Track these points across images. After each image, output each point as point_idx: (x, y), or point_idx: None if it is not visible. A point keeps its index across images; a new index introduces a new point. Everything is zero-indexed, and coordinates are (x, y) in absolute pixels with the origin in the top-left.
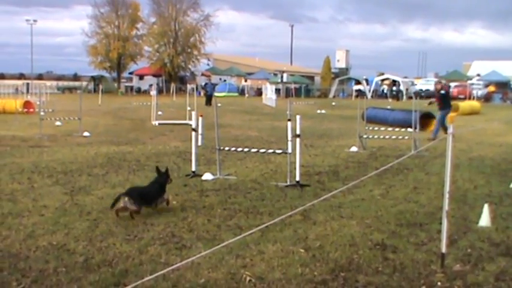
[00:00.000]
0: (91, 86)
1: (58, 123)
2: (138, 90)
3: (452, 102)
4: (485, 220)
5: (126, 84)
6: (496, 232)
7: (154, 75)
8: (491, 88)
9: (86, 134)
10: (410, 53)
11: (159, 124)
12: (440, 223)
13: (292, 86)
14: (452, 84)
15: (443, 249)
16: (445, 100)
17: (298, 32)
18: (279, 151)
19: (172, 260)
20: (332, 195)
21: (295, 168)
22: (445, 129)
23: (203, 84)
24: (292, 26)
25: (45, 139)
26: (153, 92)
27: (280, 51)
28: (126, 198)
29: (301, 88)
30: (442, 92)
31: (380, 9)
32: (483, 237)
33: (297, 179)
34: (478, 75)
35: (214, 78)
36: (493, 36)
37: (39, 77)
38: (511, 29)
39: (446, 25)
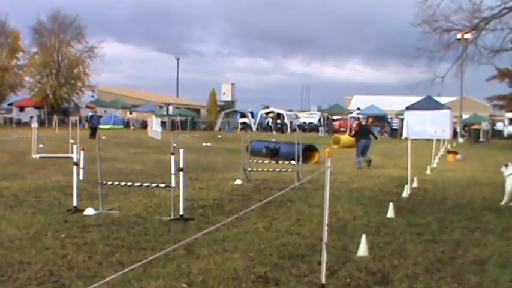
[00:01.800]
0: None
1: None
2: (18, 122)
3: (334, 136)
4: (363, 250)
5: (6, 115)
6: (373, 261)
7: (35, 107)
8: (369, 120)
9: None
10: (294, 87)
11: (40, 157)
12: (321, 254)
13: (178, 118)
14: (334, 118)
15: (323, 280)
16: (359, 133)
17: (184, 65)
18: (163, 185)
19: None
20: (216, 228)
21: (179, 202)
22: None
23: (89, 116)
24: (178, 59)
25: None
26: (34, 124)
27: (167, 84)
28: None
29: (187, 121)
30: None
31: (263, 44)
32: (361, 266)
33: (181, 212)
34: (358, 108)
35: (99, 111)
36: (370, 72)
37: None
38: (385, 66)
39: (327, 61)
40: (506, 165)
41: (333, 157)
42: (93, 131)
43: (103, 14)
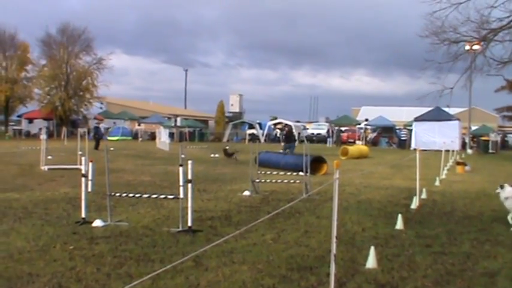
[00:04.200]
0: None
1: None
2: (27, 134)
3: (342, 147)
4: (371, 262)
5: (15, 127)
6: (382, 273)
7: (44, 119)
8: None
9: None
10: (301, 98)
11: (48, 169)
12: (329, 266)
13: (186, 129)
14: (342, 129)
15: None
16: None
17: (192, 77)
18: (171, 196)
19: None
20: (224, 240)
21: (187, 214)
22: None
23: (93, 127)
24: (186, 71)
25: None
26: (43, 136)
27: (174, 95)
28: None
29: (195, 132)
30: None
31: (270, 55)
32: (370, 279)
33: (189, 224)
34: (366, 119)
35: (108, 122)
36: (376, 83)
37: None
38: (392, 77)
39: (333, 72)
40: (502, 187)
41: (341, 168)
42: (97, 142)
43: (111, 26)
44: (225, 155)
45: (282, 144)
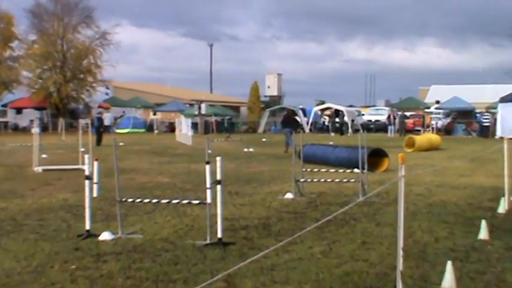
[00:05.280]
0: None
1: None
2: (15, 128)
3: (407, 136)
4: (449, 281)
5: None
6: None
7: (36, 108)
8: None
9: None
10: (355, 77)
11: (43, 170)
12: (395, 286)
13: (213, 118)
14: (407, 114)
15: None
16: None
17: (218, 53)
18: (196, 201)
19: None
20: (263, 255)
21: (216, 223)
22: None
23: (95, 118)
24: (211, 46)
25: None
26: (35, 130)
27: (197, 77)
28: None
29: (223, 121)
30: None
31: (314, 24)
32: None
33: (219, 235)
34: (437, 102)
35: (115, 111)
36: (449, 55)
37: None
38: (468, 47)
39: (395, 43)
40: None
41: (406, 163)
42: (100, 136)
43: None
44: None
45: (332, 134)
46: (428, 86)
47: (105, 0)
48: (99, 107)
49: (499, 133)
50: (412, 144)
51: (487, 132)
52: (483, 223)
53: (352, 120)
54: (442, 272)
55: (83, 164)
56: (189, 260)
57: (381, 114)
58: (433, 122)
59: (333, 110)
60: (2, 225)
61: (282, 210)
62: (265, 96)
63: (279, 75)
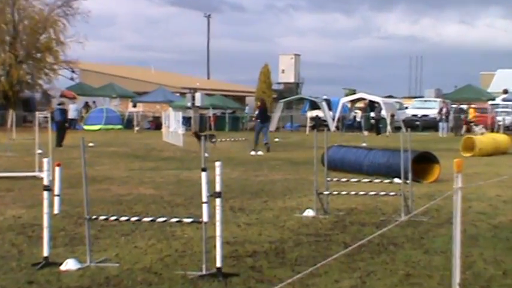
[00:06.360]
0: None
1: None
2: None
3: (465, 136)
4: None
5: None
6: None
7: None
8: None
9: None
10: (395, 59)
11: None
12: None
13: (211, 112)
14: (464, 107)
15: None
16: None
17: (217, 27)
18: (189, 220)
19: None
20: None
21: (214, 248)
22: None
23: (55, 110)
24: (208, 17)
25: None
26: None
27: (191, 58)
28: None
29: (224, 116)
30: None
31: None
32: None
33: (218, 264)
34: (505, 92)
35: (83, 101)
36: None
37: None
38: None
39: (448, 15)
40: None
41: (464, 172)
42: (62, 134)
43: None
44: (195, 136)
45: (365, 133)
46: (494, 71)
47: None
48: (62, 96)
49: None
50: (472, 146)
51: None
52: None
53: (392, 116)
54: None
55: (41, 170)
56: None
57: (429, 108)
58: (500, 118)
59: (366, 102)
60: None
61: (300, 231)
62: (279, 83)
63: (297, 56)
